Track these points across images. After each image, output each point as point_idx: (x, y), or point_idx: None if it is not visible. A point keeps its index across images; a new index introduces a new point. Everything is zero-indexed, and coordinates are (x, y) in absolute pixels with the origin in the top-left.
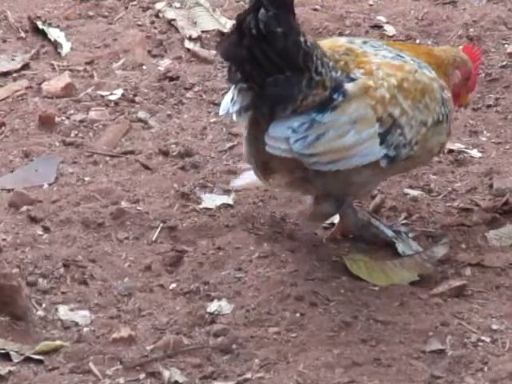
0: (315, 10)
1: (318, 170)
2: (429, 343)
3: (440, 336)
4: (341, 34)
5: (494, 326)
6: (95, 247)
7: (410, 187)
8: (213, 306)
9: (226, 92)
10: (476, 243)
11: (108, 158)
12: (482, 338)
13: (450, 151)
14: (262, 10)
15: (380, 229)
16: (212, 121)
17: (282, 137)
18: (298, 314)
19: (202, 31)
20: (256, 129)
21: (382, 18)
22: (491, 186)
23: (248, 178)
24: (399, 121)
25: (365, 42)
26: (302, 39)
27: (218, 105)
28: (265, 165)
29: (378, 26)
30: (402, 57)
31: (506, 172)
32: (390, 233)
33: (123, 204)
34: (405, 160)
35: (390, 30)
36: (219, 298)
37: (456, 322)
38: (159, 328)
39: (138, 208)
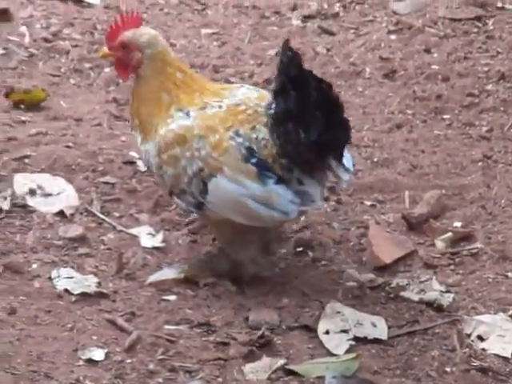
0: (68, 147)
1: None
2: None
3: None
4: (94, 171)
5: None
6: None
7: (167, 322)
8: None
9: None
10: (233, 377)
11: None
12: None
13: None
14: None
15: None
16: None
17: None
18: None
19: None
20: None
21: (134, 154)
22: (247, 318)
23: (165, 273)
24: None
25: None
26: None
27: None
28: None
29: (130, 162)
30: None
31: (261, 305)
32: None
33: None
34: None
35: (142, 165)
36: None
37: None
38: None
39: None
